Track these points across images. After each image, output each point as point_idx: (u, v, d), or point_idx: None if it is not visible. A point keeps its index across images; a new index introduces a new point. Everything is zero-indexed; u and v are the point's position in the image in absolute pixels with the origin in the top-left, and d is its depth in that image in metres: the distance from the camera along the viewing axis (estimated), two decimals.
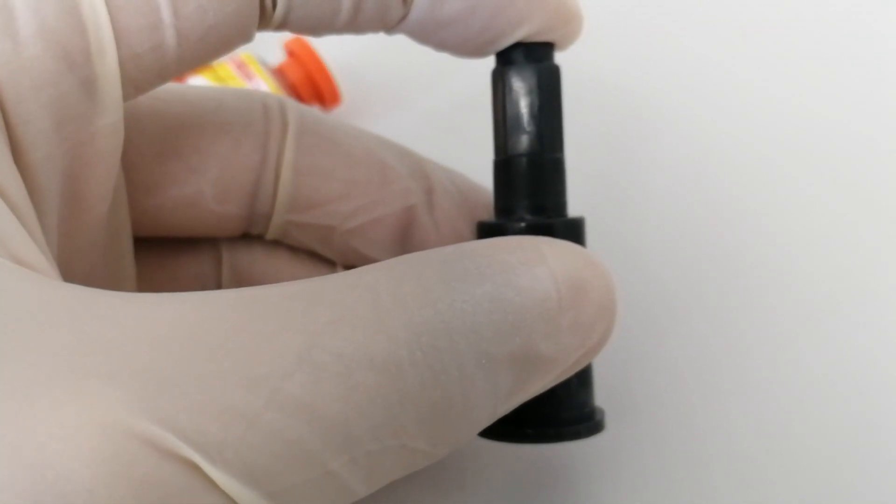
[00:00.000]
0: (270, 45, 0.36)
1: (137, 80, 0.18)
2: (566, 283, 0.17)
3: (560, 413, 0.20)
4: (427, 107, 0.37)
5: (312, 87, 0.35)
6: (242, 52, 0.35)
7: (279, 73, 0.35)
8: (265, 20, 0.19)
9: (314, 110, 0.23)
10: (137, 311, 0.15)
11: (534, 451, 0.24)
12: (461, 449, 0.23)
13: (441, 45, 0.21)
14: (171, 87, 0.22)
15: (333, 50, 0.36)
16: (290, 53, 0.36)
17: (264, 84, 0.34)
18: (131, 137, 0.20)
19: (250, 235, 0.23)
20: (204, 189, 0.22)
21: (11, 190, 0.17)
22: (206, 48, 0.19)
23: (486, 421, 0.17)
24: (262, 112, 0.22)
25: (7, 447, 0.13)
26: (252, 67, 0.35)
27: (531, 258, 0.17)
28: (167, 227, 0.22)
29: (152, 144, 0.21)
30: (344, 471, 0.15)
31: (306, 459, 0.14)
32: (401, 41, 0.36)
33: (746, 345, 0.25)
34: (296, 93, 0.35)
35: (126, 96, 0.18)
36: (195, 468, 0.13)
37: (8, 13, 0.17)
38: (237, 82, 0.34)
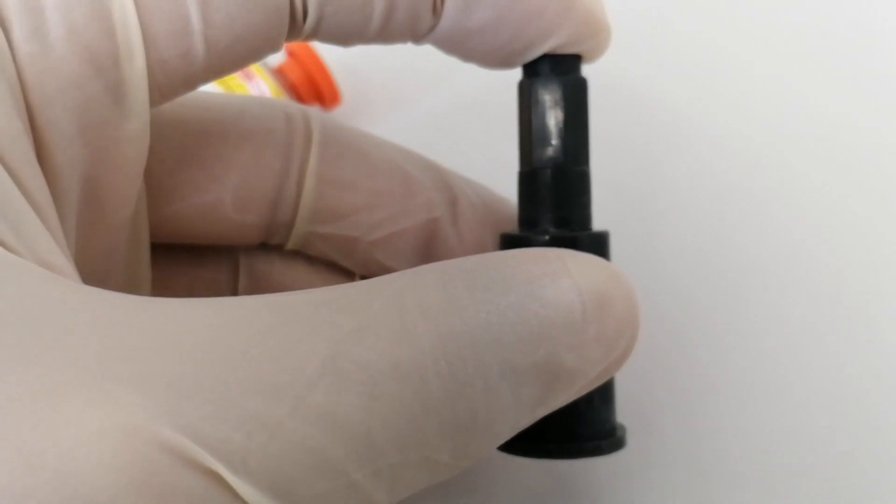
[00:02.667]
0: None
1: (164, 86, 0.18)
2: (590, 296, 0.17)
3: (581, 428, 0.20)
4: (427, 107, 0.36)
5: (312, 87, 0.35)
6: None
7: (279, 74, 0.35)
8: (295, 30, 0.19)
9: (337, 120, 0.23)
10: (161, 316, 0.15)
11: (551, 466, 0.24)
12: (479, 461, 0.23)
13: (468, 54, 0.20)
14: (193, 93, 0.22)
15: (333, 50, 0.35)
16: (291, 53, 0.35)
17: (264, 84, 0.34)
18: (152, 143, 0.19)
19: (268, 245, 0.23)
20: (224, 197, 0.21)
21: (36, 193, 0.17)
22: (233, 57, 0.18)
23: (509, 433, 0.17)
24: (285, 121, 0.22)
25: (30, 453, 0.13)
26: (252, 68, 0.34)
27: (556, 270, 0.17)
28: (185, 235, 0.22)
29: (173, 151, 0.21)
30: (367, 482, 0.15)
31: (329, 470, 0.14)
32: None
33: (774, 359, 0.25)
34: (296, 93, 0.35)
35: (152, 103, 0.18)
36: (217, 478, 0.13)
37: (38, 15, 0.17)
38: (237, 83, 0.34)
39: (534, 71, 0.20)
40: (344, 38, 0.20)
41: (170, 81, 0.18)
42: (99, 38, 0.17)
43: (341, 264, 0.23)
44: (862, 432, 0.25)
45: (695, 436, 0.24)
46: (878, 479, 0.24)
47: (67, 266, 0.16)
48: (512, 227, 0.23)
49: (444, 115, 0.36)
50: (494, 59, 0.20)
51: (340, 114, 0.36)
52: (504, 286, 0.16)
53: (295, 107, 0.22)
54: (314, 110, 0.23)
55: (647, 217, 0.27)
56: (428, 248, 0.23)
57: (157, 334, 0.14)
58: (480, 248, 0.23)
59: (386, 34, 0.20)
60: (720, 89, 0.31)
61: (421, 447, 0.15)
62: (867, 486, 0.24)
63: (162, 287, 0.22)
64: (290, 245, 0.23)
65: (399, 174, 0.22)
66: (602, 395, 0.20)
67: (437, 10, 0.19)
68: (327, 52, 0.35)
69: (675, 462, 0.24)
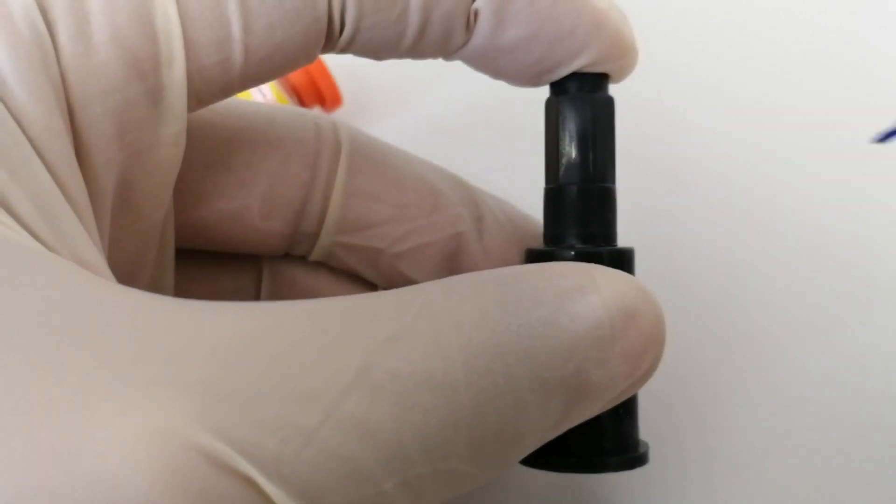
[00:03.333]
0: None
1: (201, 92, 0.18)
2: (618, 311, 0.17)
3: (605, 443, 0.20)
4: (427, 109, 0.37)
5: (313, 88, 0.35)
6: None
7: None
8: (331, 43, 0.19)
9: (366, 133, 0.23)
10: (196, 319, 0.15)
11: (567, 478, 0.25)
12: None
13: (498, 72, 0.21)
14: (224, 102, 0.22)
15: None
16: None
17: (266, 86, 0.34)
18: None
19: (291, 255, 0.23)
20: (250, 204, 0.21)
21: (74, 191, 0.17)
22: (270, 66, 0.19)
23: (534, 446, 0.17)
24: (315, 131, 0.22)
25: (66, 454, 0.13)
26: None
27: (584, 284, 0.17)
28: (210, 241, 0.22)
29: (202, 156, 0.21)
30: (395, 492, 0.15)
31: (361, 479, 0.14)
32: None
33: (783, 363, 0.26)
34: (297, 95, 0.35)
35: (189, 109, 0.18)
36: (251, 483, 0.13)
37: (83, 17, 0.17)
38: None
39: (562, 89, 0.21)
40: (376, 52, 0.20)
41: (207, 88, 0.18)
42: (141, 42, 0.17)
43: (365, 276, 0.23)
44: (867, 431, 0.25)
45: (706, 442, 0.25)
46: (881, 476, 0.25)
47: (103, 265, 0.16)
48: (538, 244, 0.23)
49: (444, 117, 0.36)
50: (524, 76, 0.20)
51: (341, 115, 0.36)
52: (535, 300, 0.16)
53: (325, 118, 0.22)
54: (344, 123, 0.23)
55: (660, 225, 0.27)
56: (453, 263, 0.23)
57: (193, 337, 0.14)
58: (505, 265, 0.23)
59: (418, 50, 0.20)
60: (738, 102, 0.31)
61: (449, 458, 0.15)
62: (870, 483, 0.24)
63: (183, 293, 0.22)
64: (314, 256, 0.23)
65: (426, 188, 0.22)
66: (626, 410, 0.20)
67: (469, 27, 0.19)
68: (328, 54, 0.35)
69: (688, 470, 0.24)
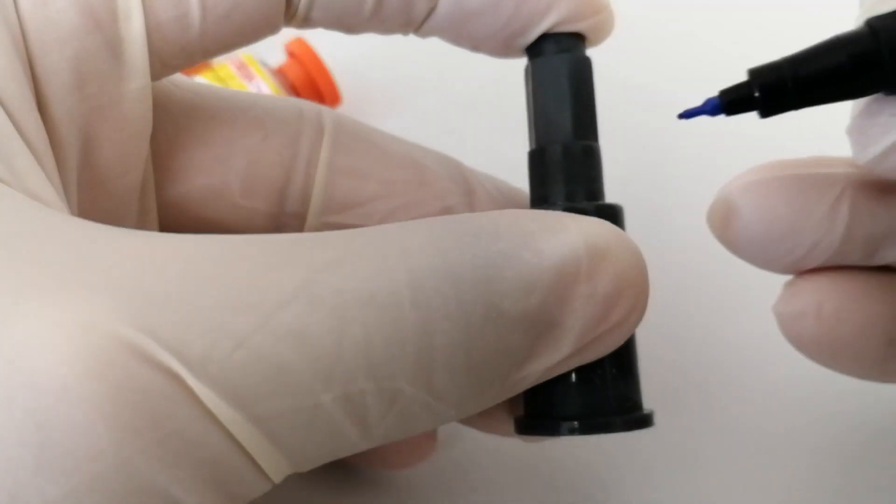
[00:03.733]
0: (271, 46, 0.35)
1: (163, 51, 0.19)
2: (587, 250, 0.17)
3: (604, 403, 0.19)
4: (427, 107, 0.37)
5: (312, 87, 0.35)
6: (243, 52, 0.35)
7: (280, 74, 0.35)
8: (290, 13, 0.19)
9: (353, 119, 0.23)
10: (139, 240, 0.15)
11: (571, 459, 0.24)
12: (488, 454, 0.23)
13: (471, 39, 0.21)
14: (205, 85, 0.22)
15: (333, 50, 0.35)
16: (291, 54, 0.36)
17: (265, 84, 0.34)
18: (161, 123, 0.20)
19: None
20: (231, 181, 0.21)
21: (32, 133, 0.17)
22: (231, 26, 0.19)
23: (496, 383, 0.16)
24: (297, 113, 0.22)
25: None
26: (252, 68, 0.34)
27: (553, 226, 0.17)
28: (193, 220, 0.22)
29: (181, 132, 0.21)
30: (336, 408, 0.14)
31: (296, 387, 0.14)
32: (401, 41, 0.36)
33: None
34: (296, 93, 0.35)
35: (154, 71, 0.19)
36: (177, 378, 0.13)
37: None
38: (237, 83, 0.34)
39: (537, 52, 0.21)
40: (340, 22, 0.20)
41: (168, 47, 0.19)
42: None
43: None
44: (867, 430, 0.25)
45: (706, 441, 0.24)
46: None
47: (58, 202, 0.17)
48: None
49: (443, 115, 0.36)
50: (497, 41, 0.20)
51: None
52: (495, 235, 0.16)
53: (308, 104, 0.23)
54: (328, 108, 0.23)
55: (657, 205, 0.27)
56: None
57: (131, 253, 0.14)
58: None
59: (382, 19, 0.20)
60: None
61: (395, 377, 0.15)
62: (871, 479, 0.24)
63: None
64: None
65: (412, 165, 0.22)
66: (619, 369, 0.19)
67: None
68: (327, 53, 0.35)
69: (687, 469, 0.24)
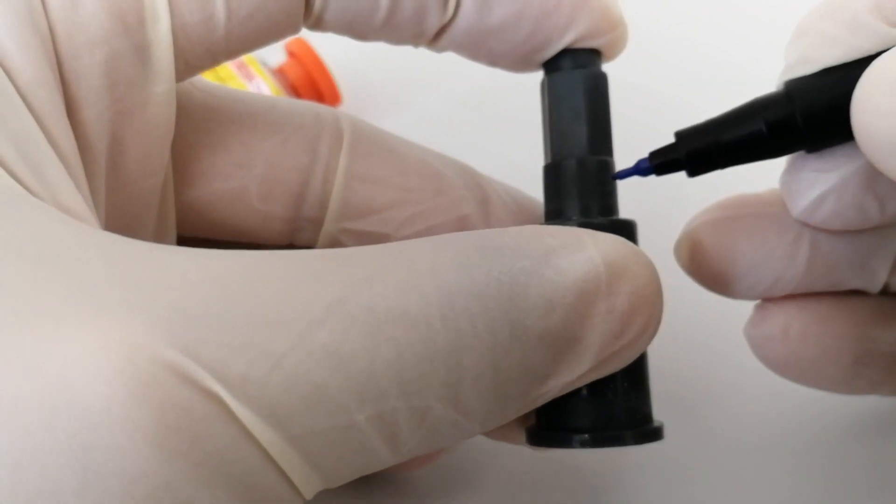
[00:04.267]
0: (270, 46, 0.35)
1: (187, 53, 0.19)
2: (606, 268, 0.17)
3: (615, 417, 0.19)
4: (427, 107, 0.37)
5: (312, 87, 0.35)
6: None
7: (280, 74, 0.35)
8: (309, 11, 0.19)
9: (369, 124, 0.23)
10: (172, 256, 0.15)
11: (571, 459, 0.24)
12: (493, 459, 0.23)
13: (490, 56, 0.21)
14: (224, 87, 0.22)
15: (333, 50, 0.35)
16: (291, 54, 0.35)
17: (264, 84, 0.34)
18: (181, 126, 0.20)
19: (296, 245, 0.23)
20: (249, 186, 0.21)
21: (62, 141, 0.17)
22: (254, 27, 0.19)
23: (519, 399, 0.17)
24: (314, 118, 0.22)
25: (30, 365, 0.13)
26: (253, 68, 0.34)
27: (572, 243, 0.17)
28: (212, 224, 0.22)
29: (201, 136, 0.21)
30: (369, 426, 0.15)
31: (331, 407, 0.14)
32: None
33: None
34: (296, 93, 0.35)
35: (178, 72, 0.19)
36: (217, 399, 0.13)
37: None
38: (237, 82, 0.33)
39: (554, 67, 0.21)
40: (352, 27, 0.20)
41: (193, 48, 0.19)
42: None
43: None
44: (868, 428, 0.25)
45: (704, 441, 0.25)
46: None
47: (88, 214, 0.17)
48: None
49: (443, 115, 0.36)
50: (516, 57, 0.21)
51: None
52: (518, 252, 0.16)
53: (326, 108, 0.23)
54: (345, 113, 0.23)
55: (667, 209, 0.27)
56: None
57: (167, 270, 0.14)
58: None
59: (393, 28, 0.20)
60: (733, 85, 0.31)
61: (425, 395, 0.15)
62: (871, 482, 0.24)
63: None
64: (320, 244, 0.23)
65: (430, 171, 0.23)
66: (631, 383, 0.19)
67: (447, 7, 0.20)
68: (327, 53, 0.35)
69: (685, 469, 0.24)
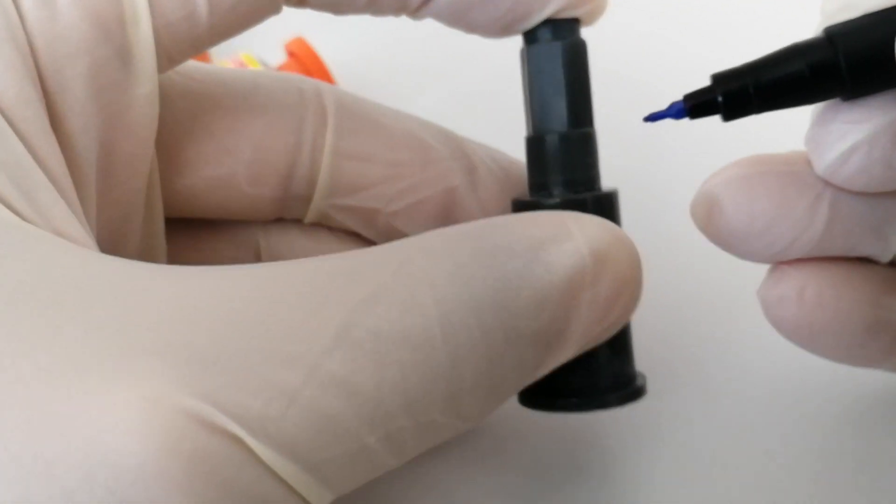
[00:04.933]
0: (270, 46, 0.36)
1: (171, 50, 0.19)
2: (591, 258, 0.17)
3: (599, 382, 0.20)
4: (426, 107, 0.37)
5: None
6: (243, 52, 0.35)
7: None
8: None
9: (351, 94, 0.23)
10: (177, 285, 0.15)
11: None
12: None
13: (470, 25, 0.21)
14: (204, 67, 0.22)
15: (333, 50, 0.36)
16: (291, 54, 0.36)
17: None
18: (164, 116, 0.20)
19: (284, 220, 0.23)
20: (237, 171, 0.22)
21: (51, 161, 0.17)
22: (237, 17, 0.19)
23: (512, 393, 0.18)
24: (298, 96, 0.22)
25: (61, 422, 0.13)
26: (252, 67, 0.34)
27: (559, 234, 0.17)
28: (200, 208, 0.22)
29: (185, 124, 0.21)
30: (378, 445, 0.15)
31: (344, 435, 0.15)
32: (400, 41, 0.36)
33: (797, 366, 0.25)
34: None
35: (160, 67, 0.19)
36: (239, 442, 0.14)
37: None
38: None
39: (533, 38, 0.21)
40: (332, 2, 0.20)
41: (176, 45, 0.19)
42: (105, 2, 0.17)
43: (363, 234, 0.24)
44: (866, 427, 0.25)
45: (702, 439, 0.24)
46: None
47: (84, 235, 0.17)
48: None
49: (443, 115, 0.36)
50: (496, 27, 0.21)
51: None
52: (510, 252, 0.17)
53: (308, 82, 0.23)
54: (327, 85, 0.23)
55: (651, 187, 0.27)
56: (448, 217, 0.23)
57: (174, 303, 0.15)
58: (503, 213, 0.23)
59: (376, 2, 0.20)
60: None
61: (429, 411, 0.16)
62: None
63: (182, 262, 0.22)
64: (309, 218, 0.23)
65: (417, 144, 0.23)
66: (615, 349, 0.20)
67: None
68: (327, 53, 0.36)
69: (684, 469, 0.24)
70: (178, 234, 0.22)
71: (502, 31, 0.21)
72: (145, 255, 0.21)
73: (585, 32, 0.21)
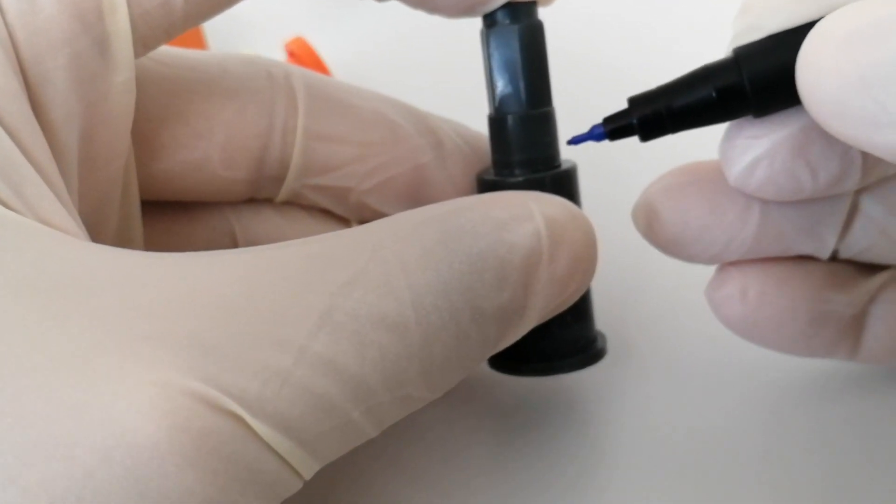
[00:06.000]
0: (270, 46, 0.36)
1: (146, 37, 0.20)
2: (549, 238, 0.19)
3: (560, 348, 0.22)
4: (426, 106, 0.37)
5: None
6: (242, 51, 0.36)
7: None
8: None
9: (319, 74, 0.24)
10: (171, 274, 0.16)
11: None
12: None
13: (433, 6, 0.22)
14: (174, 51, 0.23)
15: (333, 50, 0.36)
16: (291, 54, 0.36)
17: None
18: (139, 102, 0.21)
19: (257, 199, 0.24)
20: (211, 155, 0.22)
21: (36, 152, 0.18)
22: (209, 2, 0.20)
23: (476, 366, 0.19)
24: (267, 79, 0.23)
25: (77, 407, 0.14)
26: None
27: (520, 214, 0.19)
28: (175, 191, 0.23)
29: (159, 109, 0.22)
30: (361, 419, 0.16)
31: (331, 411, 0.16)
32: (400, 41, 0.36)
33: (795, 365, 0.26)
34: None
35: (136, 54, 0.19)
36: (240, 420, 0.15)
37: None
38: None
39: (492, 20, 0.22)
40: None
41: (152, 32, 0.20)
42: None
43: (335, 212, 0.24)
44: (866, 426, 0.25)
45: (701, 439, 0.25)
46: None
47: (72, 225, 0.18)
48: None
49: (443, 114, 0.37)
50: (458, 8, 0.21)
51: None
52: (474, 234, 0.18)
53: (277, 66, 0.24)
54: (296, 67, 0.24)
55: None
56: (419, 192, 0.24)
57: (171, 292, 0.16)
58: (471, 187, 0.24)
59: None
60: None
61: (404, 386, 0.17)
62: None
63: (159, 244, 0.23)
64: (281, 197, 0.24)
65: (386, 123, 0.24)
66: (574, 317, 0.22)
67: None
68: (327, 53, 0.36)
69: (683, 469, 0.24)
70: (154, 217, 0.23)
71: (463, 12, 0.22)
72: (122, 238, 0.22)
73: (543, 13, 0.22)
